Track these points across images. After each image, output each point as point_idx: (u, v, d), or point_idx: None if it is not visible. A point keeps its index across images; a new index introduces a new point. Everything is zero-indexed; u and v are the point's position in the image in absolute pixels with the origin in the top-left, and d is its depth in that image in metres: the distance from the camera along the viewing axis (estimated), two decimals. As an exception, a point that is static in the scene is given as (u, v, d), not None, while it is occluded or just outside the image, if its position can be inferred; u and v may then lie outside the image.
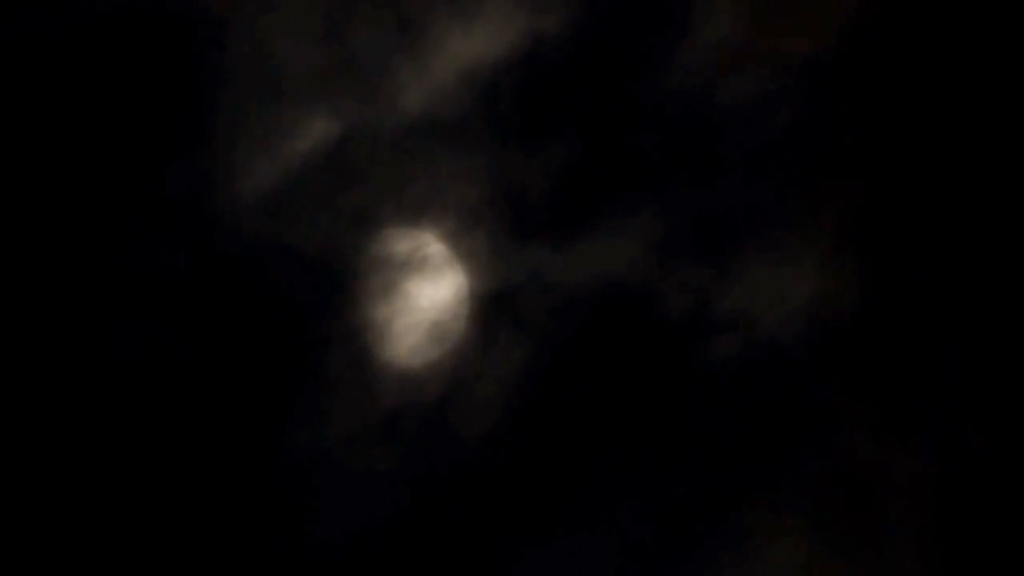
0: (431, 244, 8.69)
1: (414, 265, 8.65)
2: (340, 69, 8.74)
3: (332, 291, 8.53)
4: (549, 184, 8.73)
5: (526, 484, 8.38)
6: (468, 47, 8.72)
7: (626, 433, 8.46)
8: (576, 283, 8.67)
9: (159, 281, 8.45)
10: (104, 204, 8.57)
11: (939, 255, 8.52)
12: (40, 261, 8.47)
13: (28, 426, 8.28)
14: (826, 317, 8.48)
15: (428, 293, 8.64)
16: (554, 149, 8.72)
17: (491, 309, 8.67)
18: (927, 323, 8.47)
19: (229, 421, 8.36)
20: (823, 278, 8.51)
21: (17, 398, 8.29)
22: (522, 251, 8.69)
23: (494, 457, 8.41)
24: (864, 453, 8.38)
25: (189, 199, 8.59)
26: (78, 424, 8.30)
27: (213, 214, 8.55)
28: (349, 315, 8.52)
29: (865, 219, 8.53)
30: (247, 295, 8.51)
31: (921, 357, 8.42)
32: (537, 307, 8.67)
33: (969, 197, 8.52)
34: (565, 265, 8.67)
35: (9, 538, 8.16)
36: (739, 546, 8.29)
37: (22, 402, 8.29)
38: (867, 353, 8.46)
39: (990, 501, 8.26)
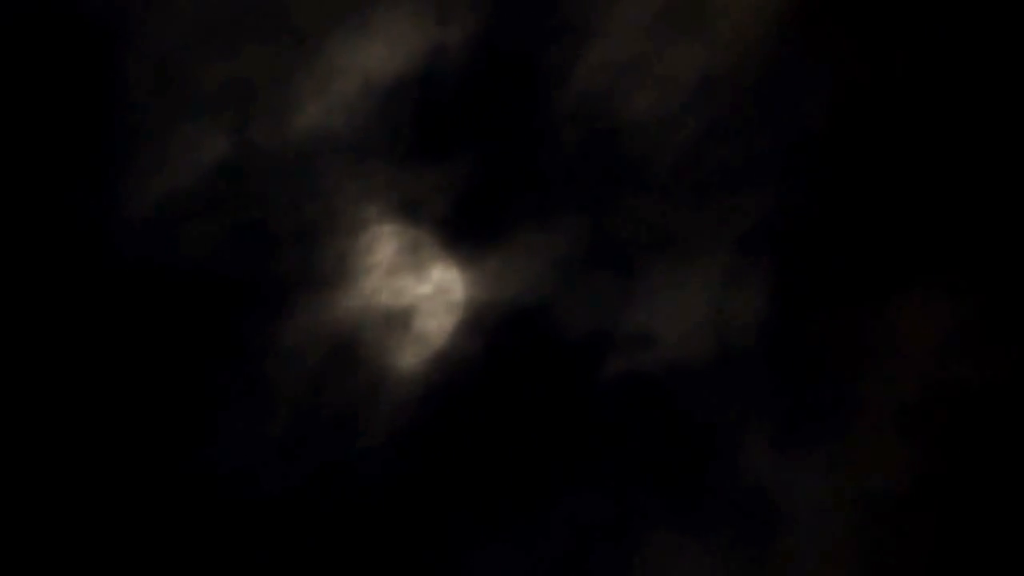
0: (328, 261, 8.56)
1: (310, 282, 8.52)
2: (236, 84, 8.61)
3: (223, 308, 8.39)
4: (450, 200, 8.63)
5: (422, 508, 8.27)
6: (367, 61, 8.61)
7: (527, 453, 8.36)
8: (478, 300, 8.57)
9: (50, 294, 8.30)
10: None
11: (843, 269, 8.48)
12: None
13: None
14: (729, 333, 8.42)
15: (324, 311, 8.51)
16: (455, 165, 8.62)
17: (390, 328, 8.55)
18: (831, 338, 8.43)
19: (106, 442, 8.22)
20: (726, 294, 8.45)
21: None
22: (422, 268, 8.58)
23: (391, 478, 8.29)
24: (768, 470, 8.33)
25: (82, 214, 8.44)
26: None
27: (105, 229, 8.40)
28: (242, 332, 8.39)
29: (768, 235, 8.49)
30: (137, 310, 8.37)
31: (825, 373, 8.38)
32: (438, 325, 8.57)
33: (872, 211, 8.49)
34: (467, 282, 8.58)
35: None
36: (642, 566, 8.21)
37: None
38: (771, 369, 8.40)
39: (897, 519, 8.23)
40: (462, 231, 8.62)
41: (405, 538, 8.30)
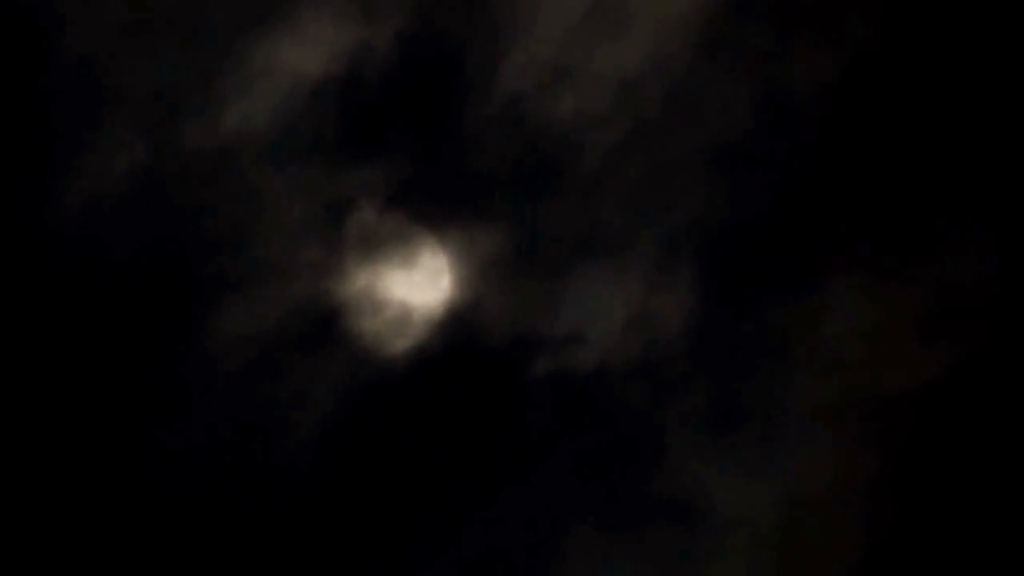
0: (253, 263, 8.50)
1: (235, 284, 8.45)
2: (161, 85, 8.52)
3: (148, 310, 8.33)
4: (377, 201, 8.58)
5: (348, 512, 8.24)
6: (292, 61, 8.54)
7: (452, 454, 8.34)
8: (406, 302, 8.54)
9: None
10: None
11: (770, 269, 8.49)
12: None
13: None
14: (656, 333, 8.42)
15: (250, 313, 8.45)
16: (382, 166, 8.57)
17: (317, 330, 8.51)
18: (758, 339, 8.44)
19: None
20: (653, 294, 8.45)
21: None
22: (349, 270, 8.54)
23: (316, 482, 8.26)
24: (695, 471, 8.34)
25: (2, 216, 8.35)
26: None
27: (27, 232, 8.32)
28: (167, 335, 8.33)
29: (695, 235, 8.48)
30: (60, 313, 8.30)
31: (751, 373, 8.40)
32: (366, 327, 8.52)
33: (799, 210, 8.50)
34: (395, 284, 8.54)
35: None
36: (568, 567, 8.21)
37: None
38: (698, 370, 8.41)
39: (824, 520, 8.26)
40: (389, 232, 8.58)
41: (331, 542, 8.27)
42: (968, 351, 8.32)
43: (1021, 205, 8.43)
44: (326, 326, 8.48)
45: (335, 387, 8.40)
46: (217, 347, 8.38)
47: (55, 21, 8.46)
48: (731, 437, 8.35)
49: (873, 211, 8.46)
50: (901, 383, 8.33)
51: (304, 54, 8.53)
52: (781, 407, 8.35)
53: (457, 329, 8.51)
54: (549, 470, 8.35)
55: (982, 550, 8.12)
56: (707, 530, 8.26)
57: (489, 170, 8.56)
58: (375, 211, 8.56)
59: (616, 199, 8.52)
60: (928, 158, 8.49)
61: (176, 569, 8.08)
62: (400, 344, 8.51)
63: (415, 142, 8.58)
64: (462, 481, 8.34)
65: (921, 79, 8.51)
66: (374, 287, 8.53)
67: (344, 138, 8.56)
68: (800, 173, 8.50)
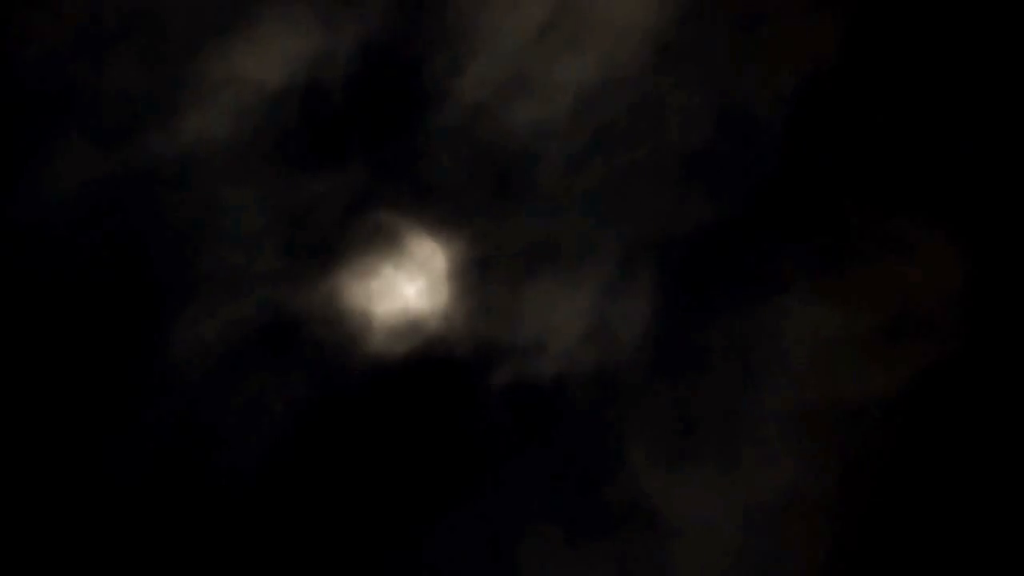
0: (215, 272, 8.50)
1: (193, 292, 8.46)
2: (120, 93, 8.54)
3: (105, 318, 8.32)
4: (337, 210, 8.60)
5: (302, 523, 8.23)
6: (251, 71, 8.56)
7: (410, 464, 8.34)
8: (366, 312, 8.54)
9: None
10: None
11: (730, 278, 8.53)
12: None
13: None
14: (616, 342, 8.44)
15: (209, 321, 8.45)
16: (342, 175, 8.59)
17: (279, 337, 8.51)
18: (718, 347, 8.47)
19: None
20: (613, 303, 8.47)
21: None
22: (308, 279, 8.54)
23: (271, 494, 8.25)
24: (656, 480, 8.35)
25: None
26: None
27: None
28: (123, 342, 8.32)
29: (654, 244, 8.52)
30: (14, 320, 8.29)
31: (712, 382, 8.42)
32: (325, 336, 8.53)
33: (758, 219, 8.54)
34: (355, 294, 8.55)
35: None
36: (527, 576, 8.22)
37: None
38: (658, 378, 8.43)
39: (784, 528, 8.27)
40: (349, 241, 8.59)
41: (286, 551, 8.25)
42: (928, 360, 8.35)
43: (979, 213, 8.48)
44: (285, 335, 8.48)
45: (294, 396, 8.39)
46: (175, 355, 8.37)
47: (13, 30, 8.48)
48: (690, 445, 8.37)
49: (832, 219, 8.51)
50: (861, 391, 8.36)
51: (264, 63, 8.56)
52: (740, 415, 8.37)
53: (417, 339, 8.53)
54: (507, 480, 8.35)
55: (942, 557, 8.14)
56: (666, 538, 8.27)
57: (449, 180, 8.59)
58: (335, 220, 8.58)
59: (575, 209, 8.56)
60: (886, 165, 8.55)
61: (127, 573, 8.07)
62: (359, 353, 8.52)
63: (375, 152, 8.60)
64: (419, 491, 8.34)
65: (878, 87, 8.57)
66: (334, 296, 8.54)
67: (304, 147, 8.58)
68: (759, 182, 8.55)
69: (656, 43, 8.57)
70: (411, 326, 8.53)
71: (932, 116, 8.55)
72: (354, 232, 8.58)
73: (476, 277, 8.55)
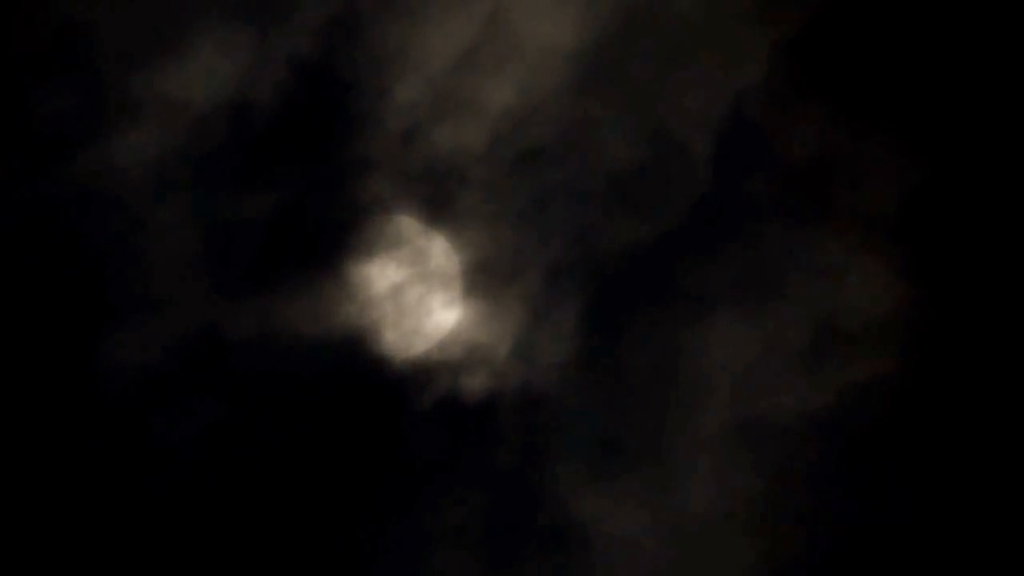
0: (143, 292, 8.48)
1: (125, 313, 8.43)
2: (51, 113, 8.55)
3: (33, 343, 8.29)
4: (268, 231, 8.61)
5: (228, 540, 8.18)
6: (181, 91, 8.60)
7: (338, 484, 8.30)
8: (297, 330, 8.53)
9: None
10: None
11: (656, 295, 8.57)
12: None
13: None
14: (540, 363, 8.46)
15: (138, 342, 8.42)
16: (270, 197, 8.61)
17: (207, 358, 8.47)
18: (643, 365, 8.49)
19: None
20: (539, 322, 8.50)
21: None
22: (240, 299, 8.52)
23: (196, 509, 8.19)
24: (583, 498, 8.34)
25: None
26: None
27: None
28: (57, 363, 8.28)
29: (578, 264, 8.57)
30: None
31: (637, 400, 8.43)
32: (257, 356, 8.50)
33: (683, 237, 8.60)
34: (287, 314, 8.54)
35: None
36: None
37: None
38: (584, 397, 8.44)
39: (712, 544, 8.27)
40: (281, 261, 8.59)
41: (213, 572, 8.18)
42: (854, 377, 8.40)
43: (905, 233, 8.58)
44: (213, 355, 8.45)
45: (221, 415, 8.35)
46: (103, 376, 8.32)
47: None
48: (616, 465, 8.36)
49: (758, 238, 8.58)
50: (786, 409, 8.40)
51: (194, 83, 8.60)
52: (666, 434, 8.38)
53: (346, 358, 8.51)
54: (434, 499, 8.32)
55: (869, 570, 8.15)
56: (593, 557, 8.24)
57: (377, 201, 8.62)
58: (266, 240, 8.58)
59: (503, 229, 8.60)
60: (813, 187, 8.64)
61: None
62: (288, 373, 8.49)
63: (305, 172, 8.63)
64: (346, 511, 8.29)
65: (804, 105, 8.69)
66: (262, 316, 8.53)
67: (234, 167, 8.60)
68: (685, 203, 8.62)
69: (582, 66, 8.68)
70: (341, 345, 8.52)
71: (859, 138, 8.66)
72: (282, 252, 8.58)
73: (403, 297, 8.56)
